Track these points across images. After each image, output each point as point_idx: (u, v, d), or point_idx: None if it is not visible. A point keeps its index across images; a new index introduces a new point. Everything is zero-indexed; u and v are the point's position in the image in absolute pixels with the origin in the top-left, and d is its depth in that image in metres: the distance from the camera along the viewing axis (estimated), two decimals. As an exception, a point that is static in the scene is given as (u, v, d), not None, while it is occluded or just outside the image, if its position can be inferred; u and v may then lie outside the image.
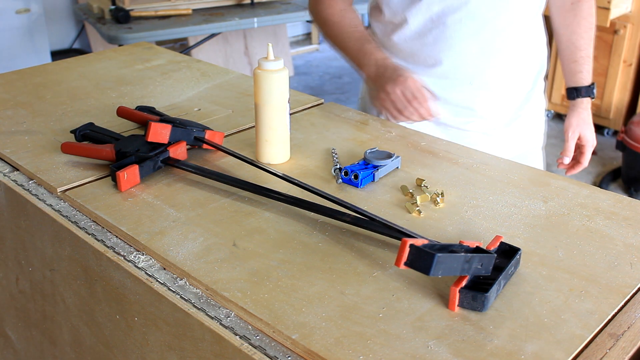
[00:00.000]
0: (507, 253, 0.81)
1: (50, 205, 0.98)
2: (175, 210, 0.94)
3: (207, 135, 1.10)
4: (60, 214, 0.96)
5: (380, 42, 1.37)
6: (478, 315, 0.73)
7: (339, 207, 0.91)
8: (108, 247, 0.88)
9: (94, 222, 0.94)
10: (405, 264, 0.72)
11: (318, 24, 1.42)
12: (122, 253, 0.87)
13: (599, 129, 3.61)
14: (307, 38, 5.76)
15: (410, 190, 0.99)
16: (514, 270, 0.81)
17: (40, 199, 0.99)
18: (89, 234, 0.91)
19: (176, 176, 1.04)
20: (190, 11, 3.23)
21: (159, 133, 1.04)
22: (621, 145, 3.19)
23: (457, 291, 0.74)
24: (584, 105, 1.42)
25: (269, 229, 0.90)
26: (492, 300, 0.75)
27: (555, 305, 0.75)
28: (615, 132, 3.69)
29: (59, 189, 1.00)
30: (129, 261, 0.85)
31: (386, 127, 1.24)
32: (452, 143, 1.18)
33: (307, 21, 4.46)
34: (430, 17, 1.28)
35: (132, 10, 3.11)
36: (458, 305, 0.74)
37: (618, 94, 3.67)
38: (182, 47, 4.54)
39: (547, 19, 1.42)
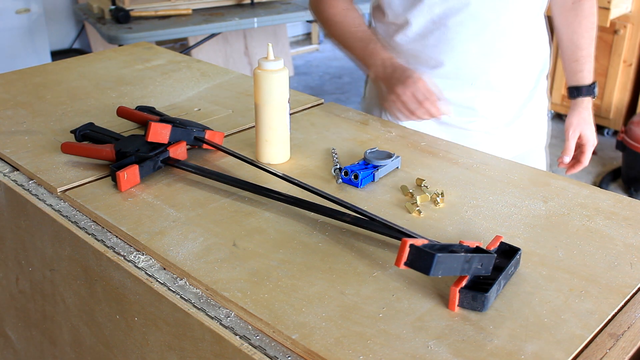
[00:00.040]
0: (507, 253, 0.81)
1: (50, 205, 0.98)
2: (175, 210, 0.94)
3: (207, 135, 1.10)
4: (60, 214, 0.96)
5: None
6: (478, 315, 0.73)
7: (339, 207, 0.91)
8: (108, 247, 0.88)
9: (94, 222, 0.94)
10: (405, 264, 0.72)
11: (321, 24, 1.42)
12: (122, 253, 0.87)
13: (599, 129, 3.61)
14: (307, 38, 5.76)
15: (410, 190, 0.99)
16: (514, 270, 0.81)
17: (40, 199, 0.99)
18: (89, 234, 0.91)
19: (176, 176, 1.04)
20: (190, 11, 3.23)
21: (159, 133, 1.04)
22: (621, 145, 3.19)
23: (457, 291, 0.74)
24: (585, 105, 1.42)
25: (269, 229, 0.90)
26: (492, 300, 0.75)
27: (555, 305, 0.75)
28: (615, 132, 3.69)
29: (59, 189, 1.00)
30: (129, 261, 0.85)
31: (386, 127, 1.24)
32: (452, 143, 1.18)
33: (307, 21, 4.46)
34: (431, 19, 1.28)
35: (132, 10, 3.11)
36: (458, 305, 0.74)
37: (618, 94, 3.67)
38: (182, 47, 4.54)
39: (549, 18, 1.42)
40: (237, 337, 0.72)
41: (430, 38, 1.29)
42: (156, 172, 1.04)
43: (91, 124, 1.15)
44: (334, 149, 1.12)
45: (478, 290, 0.74)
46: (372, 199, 0.99)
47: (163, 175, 1.04)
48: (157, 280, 0.81)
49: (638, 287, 0.79)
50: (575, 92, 1.42)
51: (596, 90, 1.42)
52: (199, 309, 0.76)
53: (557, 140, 1.52)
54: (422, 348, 0.69)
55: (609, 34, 3.57)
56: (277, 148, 1.09)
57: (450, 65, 1.30)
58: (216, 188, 1.01)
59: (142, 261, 0.85)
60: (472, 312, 0.74)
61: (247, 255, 0.84)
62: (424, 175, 1.06)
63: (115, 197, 0.98)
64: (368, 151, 1.07)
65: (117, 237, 0.90)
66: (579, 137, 1.41)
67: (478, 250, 0.77)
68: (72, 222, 0.94)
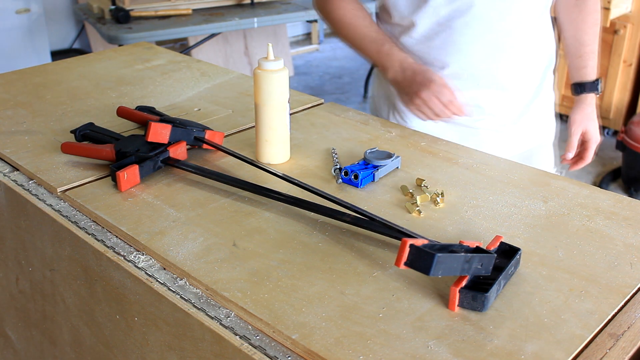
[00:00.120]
0: (507, 253, 0.81)
1: (50, 205, 0.98)
2: (175, 210, 0.94)
3: (207, 135, 1.10)
4: (60, 214, 0.96)
5: None
6: (478, 315, 0.73)
7: (339, 207, 0.91)
8: (108, 247, 0.88)
9: (94, 222, 0.94)
10: (405, 264, 0.72)
11: (329, 25, 1.42)
12: (122, 253, 0.87)
13: (599, 129, 3.60)
14: (307, 38, 5.76)
15: (410, 190, 0.99)
16: (514, 270, 0.81)
17: (40, 199, 0.99)
18: (89, 234, 0.91)
19: (176, 176, 1.04)
20: (190, 11, 3.23)
21: (159, 133, 1.04)
22: (621, 145, 3.19)
23: (457, 291, 0.74)
24: (589, 101, 1.41)
25: (269, 229, 0.90)
26: (492, 300, 0.75)
27: (555, 305, 0.75)
28: (615, 132, 3.69)
29: (59, 189, 1.00)
30: (129, 261, 0.85)
31: (386, 127, 1.24)
32: (452, 143, 1.18)
33: (307, 21, 4.46)
34: (437, 21, 1.28)
35: (132, 10, 3.11)
36: (458, 305, 0.74)
37: (618, 94, 3.67)
38: (182, 47, 4.54)
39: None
40: (237, 337, 0.72)
41: (436, 40, 1.29)
42: (156, 172, 1.04)
43: (91, 124, 1.15)
44: (334, 149, 1.12)
45: (478, 290, 0.74)
46: (372, 199, 0.99)
47: (163, 175, 1.04)
48: (157, 280, 0.81)
49: (638, 287, 0.79)
50: (579, 88, 1.42)
51: (600, 86, 1.42)
52: (199, 309, 0.76)
53: (557, 140, 1.52)
54: (422, 348, 0.69)
55: (609, 34, 3.56)
56: (277, 148, 1.09)
57: (456, 66, 1.30)
58: (216, 188, 1.01)
59: (142, 261, 0.85)
60: (472, 312, 0.74)
61: (247, 255, 0.84)
62: (424, 175, 1.06)
63: (115, 197, 0.98)
64: (368, 151, 1.07)
65: (117, 237, 0.90)
66: (583, 134, 1.41)
67: (478, 250, 0.77)
68: (72, 222, 0.94)
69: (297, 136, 1.18)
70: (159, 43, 3.91)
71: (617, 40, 3.58)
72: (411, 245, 0.72)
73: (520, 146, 1.40)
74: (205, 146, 1.11)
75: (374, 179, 1.03)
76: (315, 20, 4.92)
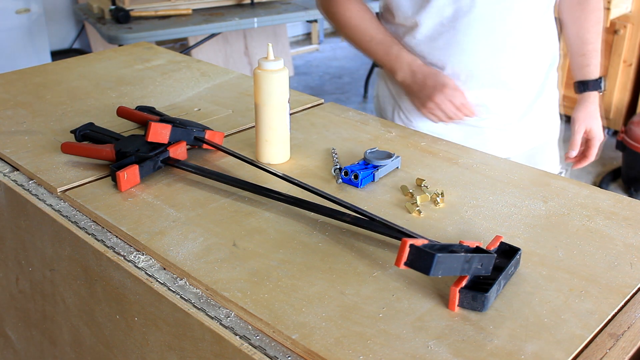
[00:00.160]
0: (507, 253, 0.81)
1: (50, 205, 0.98)
2: (175, 210, 0.94)
3: (207, 135, 1.10)
4: (60, 214, 0.96)
5: None
6: (478, 315, 0.73)
7: (339, 207, 0.91)
8: (108, 247, 0.88)
9: (94, 222, 0.94)
10: (405, 264, 0.72)
11: (335, 27, 1.42)
12: (122, 253, 0.87)
13: (599, 129, 3.60)
14: (307, 38, 5.76)
15: (410, 190, 0.99)
16: (514, 270, 0.81)
17: (40, 199, 0.99)
18: (89, 234, 0.91)
19: (176, 176, 1.04)
20: (190, 11, 3.23)
21: (159, 133, 1.04)
22: (621, 145, 3.19)
23: (457, 291, 0.74)
24: (592, 99, 1.42)
25: (269, 229, 0.90)
26: (492, 300, 0.75)
27: (555, 305, 0.75)
28: (615, 132, 3.69)
29: (59, 189, 1.00)
30: (129, 261, 0.85)
31: (386, 127, 1.24)
32: (452, 143, 1.18)
33: (307, 21, 4.46)
34: (440, 22, 1.28)
35: (132, 10, 3.11)
36: (458, 305, 0.74)
37: (618, 94, 3.67)
38: (182, 47, 4.55)
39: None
40: (237, 337, 0.72)
41: (439, 40, 1.30)
42: (156, 172, 1.04)
43: (91, 124, 1.15)
44: (334, 149, 1.12)
45: (478, 290, 0.74)
46: (372, 199, 0.99)
47: (163, 175, 1.04)
48: (157, 280, 0.81)
49: (638, 287, 0.79)
50: (582, 86, 1.42)
51: (603, 84, 1.42)
52: (199, 309, 0.76)
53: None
54: (422, 348, 0.69)
55: (609, 34, 3.56)
56: (277, 148, 1.09)
57: (459, 67, 1.30)
58: (216, 188, 1.01)
59: (142, 261, 0.85)
60: (472, 312, 0.74)
61: (247, 255, 0.84)
62: (424, 175, 1.06)
63: (115, 197, 0.98)
64: (368, 151, 1.07)
65: (117, 237, 0.90)
66: (586, 132, 1.41)
67: (478, 250, 0.77)
68: (72, 222, 0.94)
69: (297, 136, 1.18)
70: (159, 43, 3.91)
71: (617, 40, 3.58)
72: (411, 245, 0.72)
73: (525, 144, 1.41)
74: (205, 146, 1.11)
75: (374, 179, 1.03)
76: (315, 20, 4.92)
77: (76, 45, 4.54)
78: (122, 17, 3.01)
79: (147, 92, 1.39)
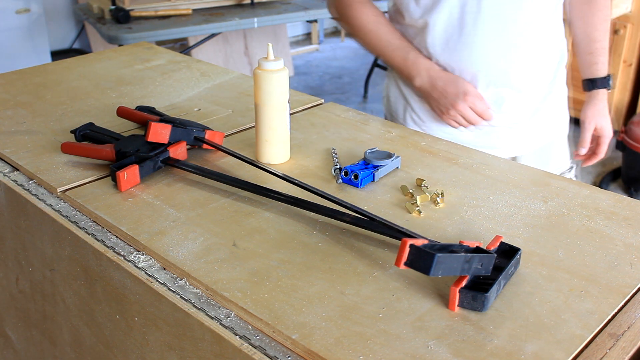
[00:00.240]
0: (507, 253, 0.81)
1: (50, 205, 0.98)
2: (175, 210, 0.94)
3: (207, 135, 1.10)
4: (60, 214, 0.96)
5: None
6: (478, 315, 0.73)
7: (339, 207, 0.91)
8: (108, 247, 0.88)
9: (94, 222, 0.94)
10: (405, 264, 0.72)
11: (350, 31, 1.43)
12: (122, 253, 0.87)
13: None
14: (307, 38, 5.76)
15: (410, 190, 0.99)
16: (514, 270, 0.81)
17: (40, 199, 0.99)
18: (89, 234, 0.91)
19: (176, 176, 1.04)
20: (190, 11, 3.23)
21: (159, 133, 1.04)
22: (621, 145, 3.19)
23: (457, 291, 0.74)
24: (600, 97, 1.42)
25: (269, 229, 0.90)
26: (492, 300, 0.75)
27: (555, 305, 0.75)
28: (615, 132, 3.68)
29: (59, 189, 1.00)
30: (129, 261, 0.85)
31: (386, 127, 1.24)
32: (452, 143, 1.18)
33: (307, 21, 4.46)
34: (450, 23, 1.29)
35: (132, 10, 3.11)
36: (458, 305, 0.74)
37: (618, 94, 3.67)
38: (182, 47, 4.55)
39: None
40: (237, 337, 0.72)
41: (449, 42, 1.30)
42: (156, 172, 1.04)
43: (91, 124, 1.15)
44: (334, 149, 1.12)
45: (478, 290, 0.74)
46: (372, 199, 0.99)
47: (163, 175, 1.04)
48: (157, 280, 0.81)
49: (638, 287, 0.79)
50: (590, 84, 1.43)
51: (611, 82, 1.43)
52: (199, 309, 0.76)
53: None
54: (422, 348, 0.69)
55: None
56: (277, 148, 1.09)
57: (470, 68, 1.31)
58: (216, 188, 1.01)
59: (142, 261, 0.85)
60: (472, 312, 0.74)
61: (247, 255, 0.84)
62: (424, 175, 1.06)
63: (115, 197, 0.98)
64: (368, 151, 1.07)
65: (117, 237, 0.90)
66: (596, 129, 1.42)
67: (478, 250, 0.77)
68: (72, 222, 0.94)
69: (297, 136, 1.18)
70: (159, 43, 3.91)
71: (617, 40, 3.58)
72: (411, 245, 0.72)
73: (535, 141, 1.41)
74: (205, 146, 1.11)
75: (374, 179, 1.03)
76: (315, 20, 4.92)
77: (76, 45, 4.54)
78: (122, 17, 3.01)
79: (147, 92, 1.39)
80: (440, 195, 0.97)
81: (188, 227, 0.90)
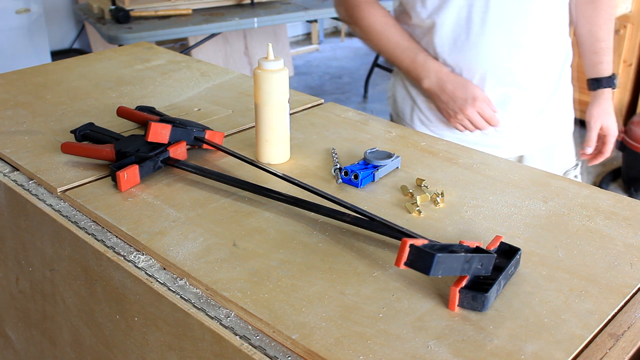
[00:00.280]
0: (507, 253, 0.81)
1: (50, 205, 0.98)
2: (175, 210, 0.94)
3: (207, 135, 1.10)
4: (60, 214, 0.96)
5: None
6: (478, 315, 0.73)
7: (339, 207, 0.91)
8: (108, 247, 0.88)
9: (94, 222, 0.94)
10: (405, 264, 0.72)
11: (358, 32, 1.42)
12: (122, 253, 0.87)
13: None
14: (307, 38, 5.76)
15: (410, 190, 0.99)
16: (514, 270, 0.81)
17: (40, 199, 0.99)
18: (89, 234, 0.91)
19: (176, 176, 1.04)
20: (190, 11, 3.23)
21: (159, 133, 1.04)
22: (621, 145, 3.19)
23: (457, 291, 0.74)
24: (605, 96, 1.43)
25: (269, 229, 0.90)
26: (492, 300, 0.75)
27: (555, 305, 0.75)
28: (615, 132, 3.69)
29: (59, 189, 1.00)
30: (129, 261, 0.85)
31: (386, 127, 1.24)
32: (452, 143, 1.18)
33: (307, 21, 4.46)
34: (458, 23, 1.29)
35: (132, 10, 3.11)
36: (458, 305, 0.74)
37: (618, 94, 3.67)
38: (182, 47, 4.55)
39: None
40: (237, 337, 0.72)
41: (457, 41, 1.30)
42: (156, 172, 1.04)
43: (91, 124, 1.15)
44: (334, 149, 1.12)
45: (478, 290, 0.74)
46: (372, 199, 0.99)
47: (163, 175, 1.04)
48: (157, 280, 0.81)
49: (638, 287, 0.79)
50: (595, 83, 1.43)
51: (616, 81, 1.44)
52: (199, 309, 0.76)
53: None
54: (422, 348, 0.69)
55: (609, 34, 3.56)
56: (277, 148, 1.09)
57: (477, 68, 1.31)
58: (216, 188, 1.01)
59: (142, 261, 0.85)
60: (472, 312, 0.74)
61: (247, 255, 0.84)
62: (424, 175, 1.06)
63: (115, 197, 0.98)
64: (368, 151, 1.07)
65: (117, 237, 0.90)
66: (601, 128, 1.42)
67: (478, 250, 0.77)
68: (72, 222, 0.94)
69: (297, 136, 1.18)
70: (159, 43, 3.91)
71: (617, 40, 3.57)
72: (411, 245, 0.72)
73: (541, 140, 1.42)
74: (205, 146, 1.11)
75: (374, 179, 1.03)
76: (315, 20, 4.92)
77: (76, 45, 4.54)
78: (122, 17, 3.02)
79: (147, 92, 1.39)
80: (440, 195, 0.97)
81: (188, 227, 0.90)
